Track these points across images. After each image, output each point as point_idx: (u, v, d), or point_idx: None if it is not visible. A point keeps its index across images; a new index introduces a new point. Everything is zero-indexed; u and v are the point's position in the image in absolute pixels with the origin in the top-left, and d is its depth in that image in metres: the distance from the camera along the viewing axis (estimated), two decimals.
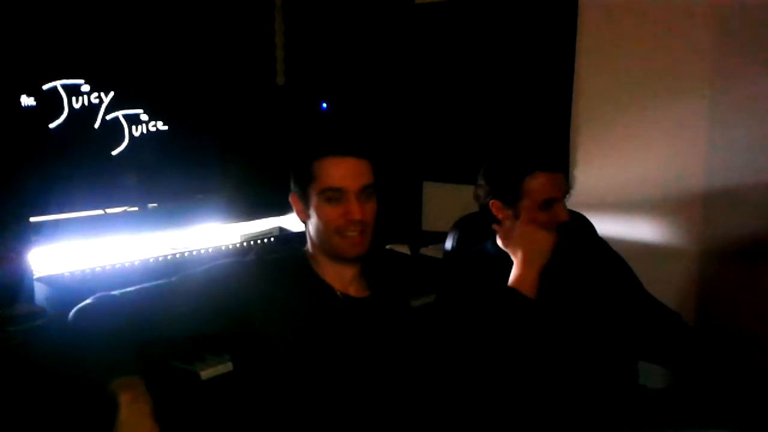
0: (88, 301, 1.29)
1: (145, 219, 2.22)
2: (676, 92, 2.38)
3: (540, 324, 1.60)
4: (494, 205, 1.72)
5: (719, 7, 2.27)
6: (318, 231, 1.39)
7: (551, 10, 2.62)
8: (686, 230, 2.41)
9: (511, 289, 1.63)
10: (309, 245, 1.46)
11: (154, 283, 1.36)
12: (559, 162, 1.71)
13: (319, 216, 1.37)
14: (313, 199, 1.38)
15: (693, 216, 2.39)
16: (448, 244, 1.97)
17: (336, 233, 1.37)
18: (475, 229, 1.93)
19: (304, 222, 1.45)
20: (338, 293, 1.41)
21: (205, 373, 1.66)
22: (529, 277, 1.63)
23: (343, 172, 1.36)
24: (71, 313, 1.28)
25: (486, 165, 1.76)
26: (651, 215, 2.48)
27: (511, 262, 1.70)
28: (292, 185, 1.45)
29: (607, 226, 1.98)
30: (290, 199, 1.45)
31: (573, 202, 1.98)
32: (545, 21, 2.64)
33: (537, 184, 1.65)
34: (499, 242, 1.75)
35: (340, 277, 1.43)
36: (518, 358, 1.61)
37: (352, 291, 1.44)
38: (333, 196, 1.35)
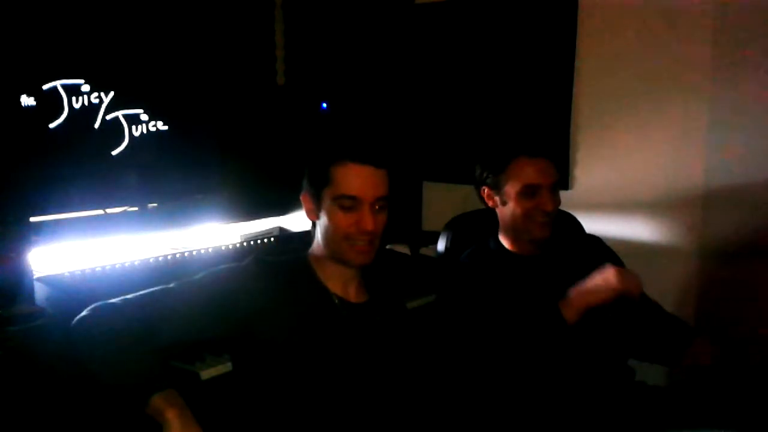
0: (86, 312, 1.26)
1: (145, 219, 2.21)
2: (675, 92, 2.39)
3: (567, 348, 1.58)
4: (483, 192, 1.75)
5: (719, 7, 2.27)
6: (326, 234, 1.38)
7: (551, 11, 2.62)
8: (686, 230, 2.42)
9: (555, 307, 1.56)
10: (314, 245, 1.45)
11: (152, 289, 1.34)
12: (546, 149, 1.70)
13: (330, 220, 1.36)
14: (326, 203, 1.36)
15: (692, 216, 2.39)
16: (441, 245, 1.98)
17: (345, 240, 1.36)
18: (468, 229, 1.94)
19: (313, 221, 1.44)
20: (335, 299, 1.40)
21: (206, 373, 1.66)
22: (576, 305, 1.55)
23: (361, 180, 1.34)
24: (75, 325, 1.25)
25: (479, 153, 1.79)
26: (651, 215, 2.48)
27: (515, 258, 1.71)
28: (304, 184, 1.43)
29: (607, 226, 1.99)
30: (301, 198, 1.44)
31: (573, 201, 1.99)
32: (545, 21, 2.64)
33: (520, 168, 1.67)
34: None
35: (342, 281, 1.42)
36: (533, 364, 1.59)
37: (352, 295, 1.43)
38: (347, 203, 1.34)
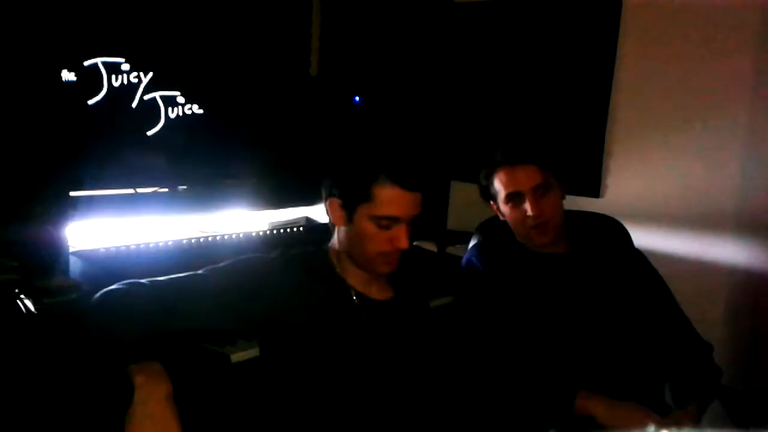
0: (115, 285, 1.28)
1: (174, 201, 2.22)
2: (713, 111, 2.35)
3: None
4: (492, 206, 1.75)
5: (761, 31, 2.25)
6: (356, 244, 1.38)
7: (593, 15, 2.59)
8: (716, 249, 2.38)
9: (572, 394, 1.54)
10: (335, 242, 1.45)
11: (182, 274, 1.35)
12: (523, 154, 1.66)
13: (365, 235, 1.36)
14: (362, 217, 1.36)
15: (723, 235, 2.36)
16: (472, 245, 1.95)
17: (378, 254, 1.37)
18: (498, 233, 1.93)
19: (338, 226, 1.42)
20: (354, 297, 1.40)
21: (236, 357, 1.67)
22: (594, 412, 1.52)
23: (403, 203, 1.35)
24: (98, 294, 1.26)
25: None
26: (681, 229, 2.45)
27: (539, 257, 1.71)
28: (335, 191, 1.39)
29: (635, 237, 1.96)
30: (328, 204, 1.41)
31: (603, 210, 1.97)
32: (587, 25, 2.61)
33: (501, 179, 1.67)
34: None
35: (363, 279, 1.43)
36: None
37: (375, 292, 1.43)
38: (386, 223, 1.35)
